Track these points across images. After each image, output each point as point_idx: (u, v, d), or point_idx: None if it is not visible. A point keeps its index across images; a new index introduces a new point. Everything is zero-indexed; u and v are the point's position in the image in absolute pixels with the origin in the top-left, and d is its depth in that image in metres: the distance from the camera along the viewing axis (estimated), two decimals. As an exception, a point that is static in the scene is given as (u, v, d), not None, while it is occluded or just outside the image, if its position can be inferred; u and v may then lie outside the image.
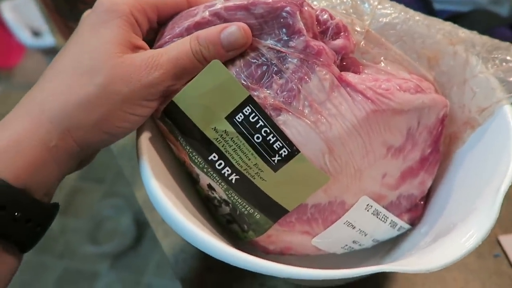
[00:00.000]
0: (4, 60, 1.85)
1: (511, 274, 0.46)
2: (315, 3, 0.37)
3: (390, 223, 0.39)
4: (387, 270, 0.27)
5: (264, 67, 0.33)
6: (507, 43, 0.37)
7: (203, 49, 0.32)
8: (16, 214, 0.28)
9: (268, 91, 0.33)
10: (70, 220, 1.41)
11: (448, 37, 0.37)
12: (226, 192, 0.35)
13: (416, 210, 0.41)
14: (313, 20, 0.34)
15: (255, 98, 0.32)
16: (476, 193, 0.34)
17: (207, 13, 0.34)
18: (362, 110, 0.33)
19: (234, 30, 0.32)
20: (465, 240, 0.29)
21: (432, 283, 0.45)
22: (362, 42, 0.37)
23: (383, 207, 0.38)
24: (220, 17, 0.34)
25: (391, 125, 0.34)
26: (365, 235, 0.39)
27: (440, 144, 0.39)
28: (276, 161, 0.33)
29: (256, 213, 0.35)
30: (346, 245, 0.39)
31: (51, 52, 1.42)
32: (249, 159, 0.33)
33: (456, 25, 0.38)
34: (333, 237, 0.38)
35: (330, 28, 0.34)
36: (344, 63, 0.36)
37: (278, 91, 0.33)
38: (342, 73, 0.34)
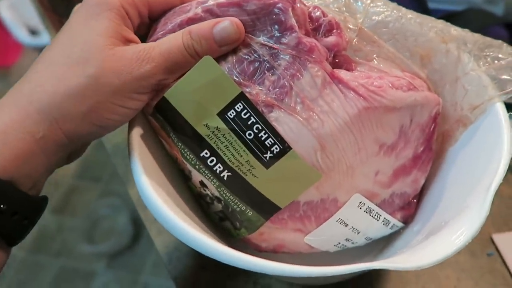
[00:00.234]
0: (2, 58, 1.84)
1: (504, 272, 0.46)
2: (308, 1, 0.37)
3: (383, 221, 0.39)
4: (377, 267, 0.27)
5: (257, 64, 0.33)
6: (499, 41, 0.37)
7: (195, 43, 0.32)
8: (1, 206, 0.28)
9: (260, 88, 0.33)
10: (66, 219, 1.41)
11: (440, 35, 0.37)
12: (218, 189, 0.35)
13: (409, 208, 0.41)
14: (306, 17, 0.34)
15: (247, 95, 0.32)
16: (468, 191, 0.34)
17: (200, 9, 0.34)
18: (354, 107, 0.33)
19: (227, 25, 0.32)
20: (455, 238, 0.29)
21: (425, 281, 0.45)
22: (355, 40, 0.37)
23: (376, 205, 0.38)
24: (212, 13, 0.34)
25: (383, 123, 0.34)
26: (358, 233, 0.39)
27: (433, 142, 0.38)
28: (268, 158, 0.33)
29: (248, 210, 0.35)
30: (339, 243, 0.39)
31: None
32: (241, 156, 0.33)
33: (448, 23, 0.38)
34: (325, 235, 0.38)
35: (323, 25, 0.34)
36: (337, 61, 0.36)
37: (270, 88, 0.33)
38: (335, 70, 0.34)
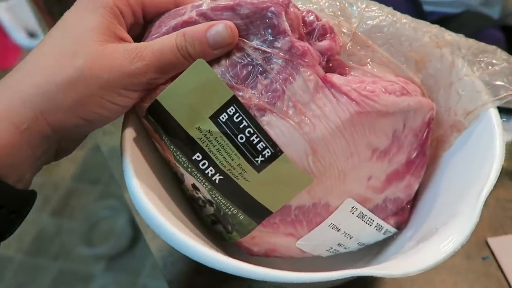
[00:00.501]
0: (0, 61, 1.85)
1: (499, 276, 0.46)
2: (300, 4, 0.37)
3: (375, 226, 0.39)
4: (363, 274, 0.27)
5: (250, 67, 0.33)
6: (494, 47, 0.37)
7: (189, 45, 0.32)
8: None
9: (253, 91, 0.33)
10: (65, 221, 1.41)
11: (434, 40, 0.37)
12: (210, 192, 0.35)
13: (403, 214, 0.41)
14: (299, 21, 0.34)
15: (240, 98, 0.32)
16: (460, 197, 0.34)
17: (194, 12, 0.34)
18: (346, 112, 0.33)
19: (221, 28, 0.32)
20: (444, 246, 0.28)
21: (420, 285, 0.45)
22: (349, 44, 0.37)
23: (369, 210, 0.38)
24: (207, 17, 0.34)
25: (376, 127, 0.34)
26: (350, 238, 0.38)
27: (426, 147, 0.38)
28: (259, 162, 0.33)
29: (239, 214, 0.35)
30: (331, 248, 0.39)
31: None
32: (233, 159, 0.33)
33: (442, 28, 0.38)
34: (317, 240, 0.38)
35: (316, 29, 0.34)
36: (330, 65, 0.35)
37: (262, 92, 0.33)
38: (327, 74, 0.34)
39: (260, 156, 0.33)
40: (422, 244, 0.31)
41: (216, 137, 0.33)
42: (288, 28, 0.33)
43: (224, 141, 0.33)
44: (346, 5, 0.38)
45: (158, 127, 0.34)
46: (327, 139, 0.33)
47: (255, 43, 0.33)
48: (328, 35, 0.35)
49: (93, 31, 0.31)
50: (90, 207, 1.44)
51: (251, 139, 0.32)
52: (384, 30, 0.38)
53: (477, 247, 0.48)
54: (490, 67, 0.37)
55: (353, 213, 0.37)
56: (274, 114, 0.32)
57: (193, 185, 0.35)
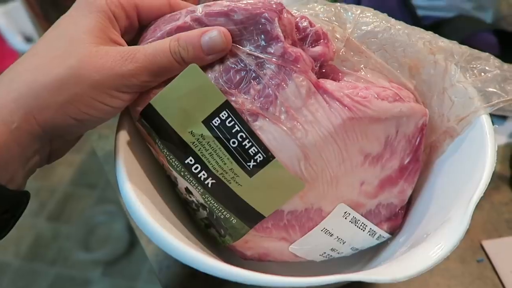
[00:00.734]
0: (-4, 65, 1.85)
1: (494, 279, 0.46)
2: (295, 9, 0.37)
3: (368, 231, 0.39)
4: (351, 280, 0.27)
5: (243, 73, 0.33)
6: (487, 54, 0.37)
7: (182, 50, 0.32)
8: None
9: (246, 96, 0.33)
10: (62, 226, 1.41)
11: (428, 46, 0.37)
12: (203, 196, 0.35)
13: (396, 219, 0.41)
14: (292, 26, 0.34)
15: (233, 103, 0.32)
16: (451, 202, 0.34)
17: (188, 18, 0.34)
18: (339, 117, 0.33)
19: (215, 34, 0.32)
20: (433, 252, 0.28)
21: (415, 288, 0.45)
22: (342, 50, 0.37)
23: (362, 215, 0.38)
24: (201, 23, 0.34)
25: (368, 133, 0.34)
26: (343, 243, 0.38)
27: (420, 153, 0.38)
28: (251, 166, 0.33)
29: (232, 218, 0.35)
30: (325, 253, 0.39)
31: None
32: (225, 164, 0.33)
33: (436, 35, 0.38)
34: (310, 244, 0.38)
35: (310, 35, 0.35)
36: (324, 70, 0.36)
37: (255, 97, 0.33)
38: (320, 80, 0.34)
39: (252, 160, 0.33)
40: (412, 250, 0.31)
41: (209, 141, 0.33)
42: (281, 34, 0.33)
43: (217, 146, 0.33)
44: (341, 11, 0.39)
45: (152, 131, 0.34)
46: (319, 144, 0.33)
47: (249, 48, 0.33)
48: (321, 40, 0.35)
49: (87, 33, 0.32)
50: (87, 212, 1.44)
51: (243, 143, 0.33)
52: (379, 36, 0.38)
53: (472, 250, 0.48)
54: (482, 74, 0.37)
55: (346, 218, 0.37)
56: (267, 119, 0.32)
57: (186, 189, 0.35)
